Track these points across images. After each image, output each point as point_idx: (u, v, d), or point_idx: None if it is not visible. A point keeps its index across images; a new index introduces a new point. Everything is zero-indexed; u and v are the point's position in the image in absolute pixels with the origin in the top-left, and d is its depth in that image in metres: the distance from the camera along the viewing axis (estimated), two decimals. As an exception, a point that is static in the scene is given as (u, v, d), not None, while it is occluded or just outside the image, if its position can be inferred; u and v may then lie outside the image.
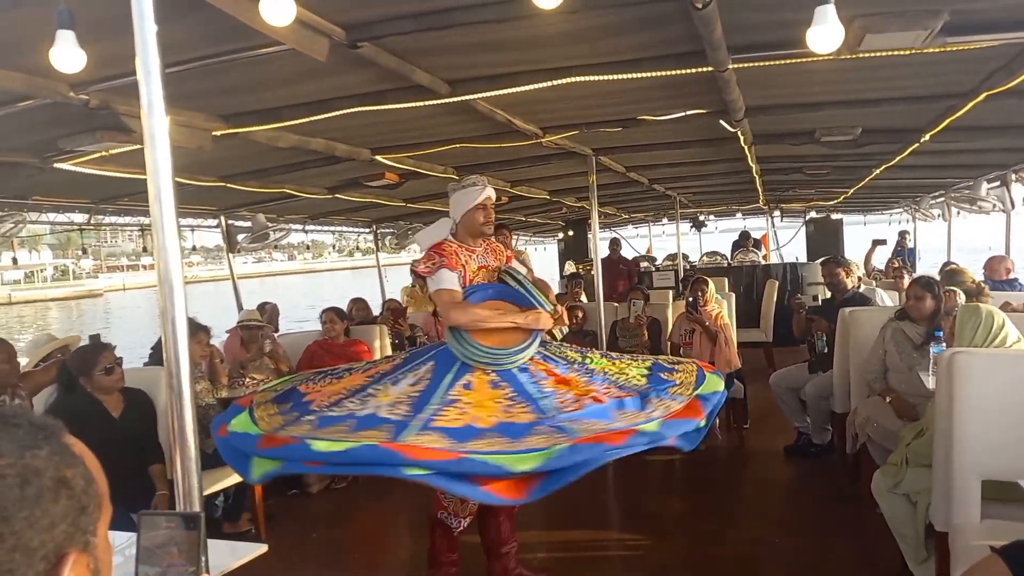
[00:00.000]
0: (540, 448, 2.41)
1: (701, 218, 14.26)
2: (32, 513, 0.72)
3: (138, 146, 3.49)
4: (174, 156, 1.71)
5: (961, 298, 4.46)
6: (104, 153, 3.85)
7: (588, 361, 3.14)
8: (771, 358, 8.63)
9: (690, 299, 5.85)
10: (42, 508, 0.73)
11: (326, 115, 3.68)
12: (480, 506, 3.26)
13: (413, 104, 3.63)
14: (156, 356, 4.65)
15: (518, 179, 7.11)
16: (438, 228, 3.34)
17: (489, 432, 2.56)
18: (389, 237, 10.28)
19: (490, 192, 3.26)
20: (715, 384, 2.96)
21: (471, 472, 2.36)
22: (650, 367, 3.11)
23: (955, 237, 10.43)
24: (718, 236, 16.02)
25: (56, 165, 4.05)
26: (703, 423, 2.73)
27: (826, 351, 5.26)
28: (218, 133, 3.78)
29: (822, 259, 6.90)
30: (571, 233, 13.86)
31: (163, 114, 1.67)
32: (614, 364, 3.14)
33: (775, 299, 9.35)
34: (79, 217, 6.26)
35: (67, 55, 2.18)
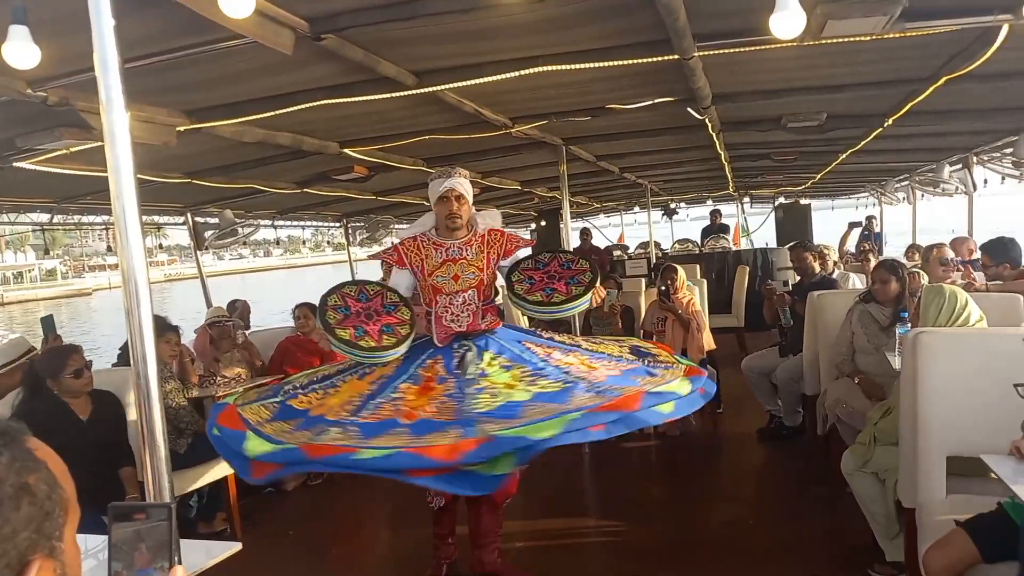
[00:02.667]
0: (564, 412, 2.47)
1: (672, 206, 14.37)
2: None
3: (99, 143, 3.44)
4: (137, 153, 1.68)
5: (924, 279, 4.54)
6: (65, 151, 3.77)
7: (559, 356, 3.11)
8: (743, 343, 8.74)
9: (662, 287, 5.89)
10: (3, 516, 0.72)
11: (292, 108, 3.64)
12: (467, 498, 3.29)
13: (380, 96, 3.60)
14: (125, 357, 4.58)
15: (489, 170, 7.10)
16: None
17: (530, 403, 2.65)
18: (360, 231, 10.20)
19: (452, 183, 3.20)
20: (678, 386, 2.78)
21: (396, 466, 2.39)
22: (625, 371, 3.03)
23: (919, 220, 10.63)
24: (689, 224, 16.15)
25: (15, 164, 3.95)
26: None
27: (791, 323, 5.35)
28: (182, 129, 3.72)
29: (790, 244, 6.99)
30: (544, 223, 13.86)
31: (123, 110, 1.64)
32: (590, 364, 3.08)
33: (746, 285, 9.47)
34: (41, 217, 6.12)
35: (21, 51, 2.13)
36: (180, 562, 1.06)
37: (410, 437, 2.51)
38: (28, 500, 0.75)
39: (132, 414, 3.72)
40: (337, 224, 9.86)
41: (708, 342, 5.76)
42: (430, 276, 3.22)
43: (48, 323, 4.56)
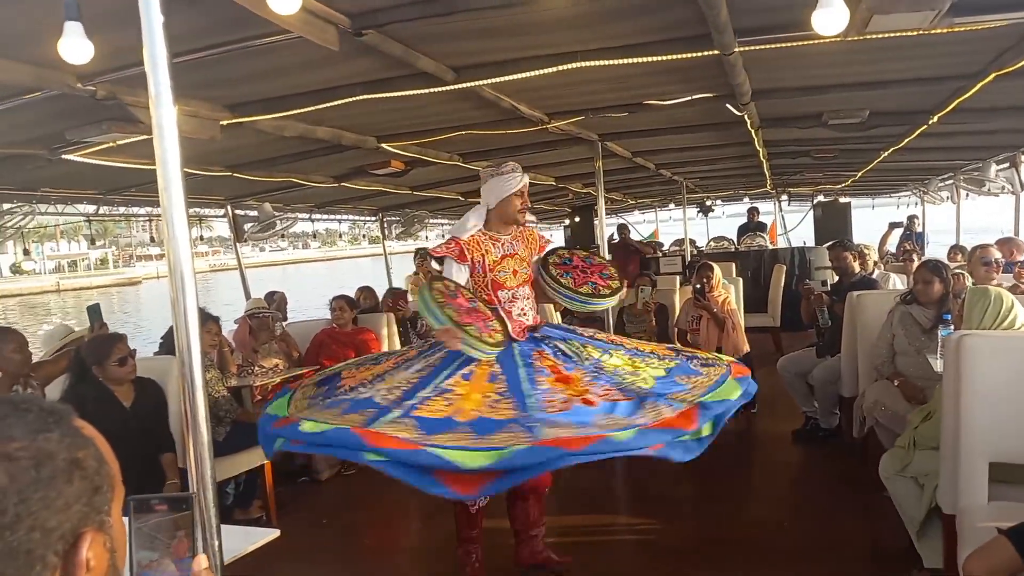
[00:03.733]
0: (498, 447, 2.40)
1: (708, 203, 14.21)
2: (47, 494, 0.74)
3: (145, 136, 3.52)
4: (181, 146, 1.72)
5: (969, 281, 4.44)
6: (111, 144, 3.87)
7: (606, 358, 3.05)
8: (779, 343, 8.62)
9: (697, 285, 5.84)
10: (56, 489, 0.75)
11: (332, 103, 3.68)
12: (509, 490, 3.26)
13: (418, 91, 3.62)
14: (167, 345, 4.68)
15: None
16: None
17: (462, 426, 2.56)
18: (395, 225, 10.29)
19: (527, 179, 3.31)
20: (728, 391, 2.79)
21: (426, 464, 2.40)
22: (669, 369, 3.00)
23: (964, 219, 10.37)
24: (725, 221, 15.96)
25: (64, 156, 4.07)
26: (695, 433, 2.58)
27: (829, 324, 5.27)
28: (225, 123, 3.79)
29: (829, 243, 6.88)
30: (577, 219, 13.82)
31: (171, 104, 1.68)
32: (633, 362, 3.04)
33: (783, 284, 9.33)
34: (88, 208, 6.29)
35: (75, 46, 2.18)
36: (214, 550, 1.08)
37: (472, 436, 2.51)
38: (80, 474, 0.78)
39: (173, 402, 3.81)
40: (373, 218, 9.95)
41: (743, 343, 5.71)
42: (491, 271, 3.22)
43: (95, 312, 4.68)
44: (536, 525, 3.42)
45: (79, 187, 5.64)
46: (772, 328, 8.98)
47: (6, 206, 5.26)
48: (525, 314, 3.24)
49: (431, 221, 10.90)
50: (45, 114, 3.43)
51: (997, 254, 5.02)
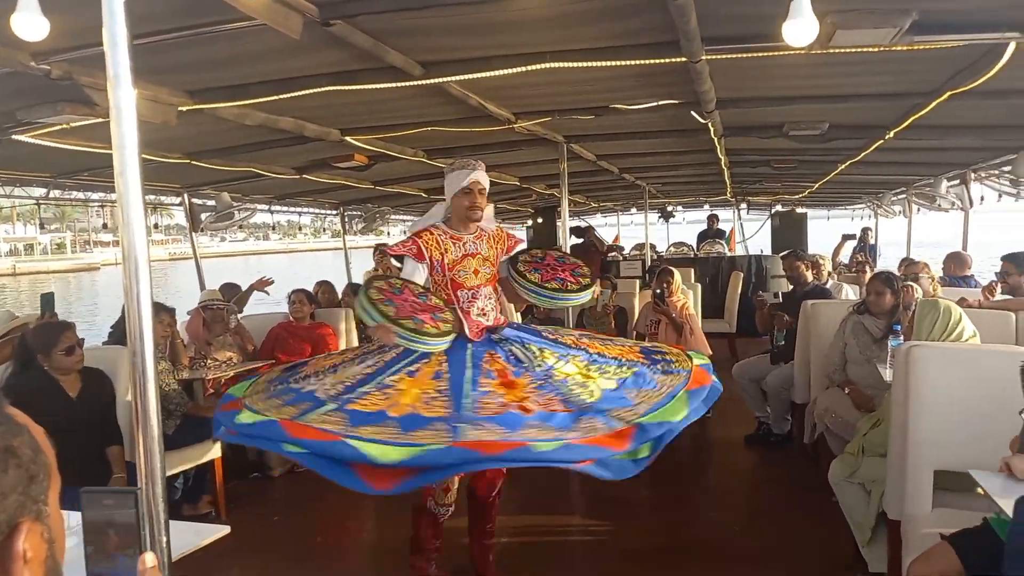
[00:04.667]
0: (416, 443, 2.38)
1: (669, 209, 14.38)
2: None
3: (100, 119, 3.42)
4: (138, 131, 1.67)
5: (919, 293, 4.56)
6: (65, 126, 3.74)
7: (560, 364, 2.98)
8: (734, 348, 8.77)
9: (657, 290, 5.90)
10: None
11: (296, 93, 3.61)
12: (471, 493, 3.31)
13: (385, 85, 3.58)
14: (116, 335, 4.56)
15: (489, 164, 6.95)
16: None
17: (392, 420, 2.53)
18: (356, 220, 10.18)
19: (477, 176, 3.23)
20: (672, 412, 2.67)
21: (340, 456, 2.38)
22: (623, 380, 2.91)
23: (915, 233, 10.68)
24: (685, 227, 16.17)
25: (14, 137, 3.92)
26: (631, 453, 2.49)
27: (783, 343, 5.37)
28: (184, 108, 3.69)
29: (784, 253, 7.02)
30: (540, 220, 13.86)
31: (130, 87, 1.63)
32: (588, 371, 2.95)
33: (740, 291, 9.50)
34: (38, 191, 6.08)
35: (29, 22, 2.10)
36: (162, 546, 1.06)
37: (399, 432, 2.49)
38: (14, 463, 0.75)
39: (122, 393, 3.71)
40: (334, 212, 9.83)
41: (703, 347, 5.77)
42: (451, 270, 3.17)
43: (47, 301, 4.52)
44: (492, 534, 3.41)
45: (29, 169, 5.45)
46: (728, 334, 9.13)
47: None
48: (485, 314, 3.17)
49: (393, 217, 10.80)
50: (-6, 92, 3.31)
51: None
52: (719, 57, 3.37)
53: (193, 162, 5.27)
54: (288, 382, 2.94)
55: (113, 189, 1.67)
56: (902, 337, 3.78)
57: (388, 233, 11.90)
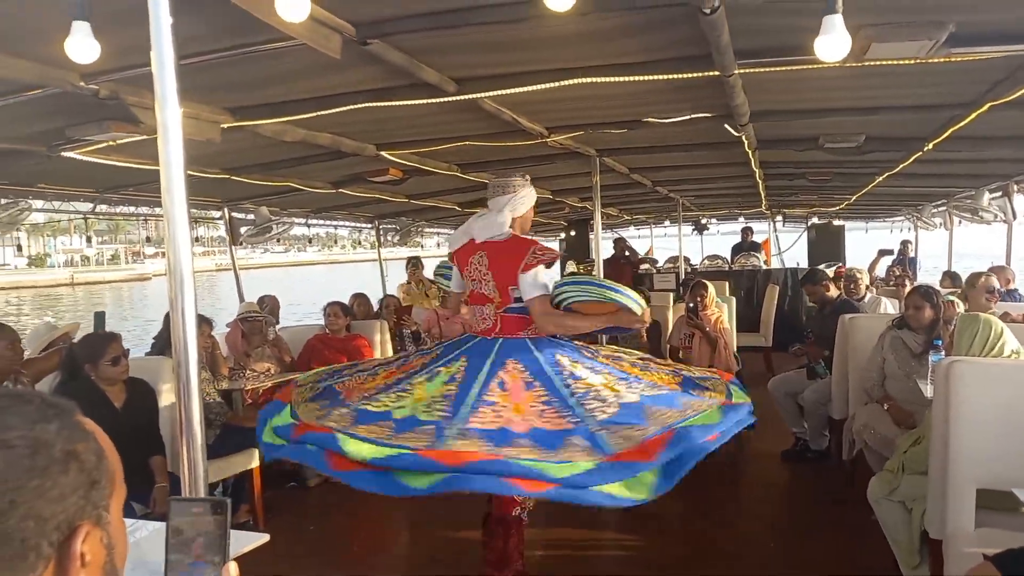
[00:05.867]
0: (393, 445, 2.42)
1: (703, 221, 14.28)
2: (42, 483, 0.75)
3: (144, 136, 3.53)
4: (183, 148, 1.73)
5: (960, 307, 4.48)
6: (110, 143, 3.87)
7: (587, 375, 2.94)
8: (770, 362, 8.65)
9: (691, 304, 5.86)
10: (52, 478, 0.76)
11: (334, 110, 3.69)
12: (493, 519, 3.20)
13: (420, 101, 3.64)
14: (158, 346, 4.67)
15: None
16: (492, 221, 3.20)
17: (522, 438, 2.50)
18: (391, 233, 10.29)
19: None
20: (708, 418, 2.64)
21: (325, 446, 2.47)
22: (644, 396, 2.84)
23: (956, 245, 10.46)
24: (719, 239, 16.04)
25: (63, 154, 4.06)
26: (653, 469, 2.42)
27: (827, 375, 5.27)
28: (226, 126, 3.79)
29: (801, 278, 6.91)
30: (573, 233, 13.87)
31: (176, 106, 1.69)
32: (615, 385, 2.90)
33: (775, 304, 9.38)
34: (83, 206, 6.27)
35: (82, 45, 2.19)
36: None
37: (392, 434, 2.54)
38: (76, 466, 0.78)
39: (164, 403, 3.80)
40: (368, 225, 9.96)
41: (733, 363, 5.73)
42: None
43: (100, 319, 4.66)
44: (514, 556, 3.15)
45: (77, 184, 5.63)
46: (764, 348, 9.01)
47: (3, 201, 5.24)
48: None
49: (427, 230, 10.91)
50: (46, 111, 3.43)
51: (996, 283, 5.08)
52: (752, 71, 3.36)
53: (233, 177, 5.40)
54: (332, 387, 3.01)
55: (155, 203, 1.73)
56: (943, 352, 3.71)
57: (422, 245, 12.00)
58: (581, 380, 2.89)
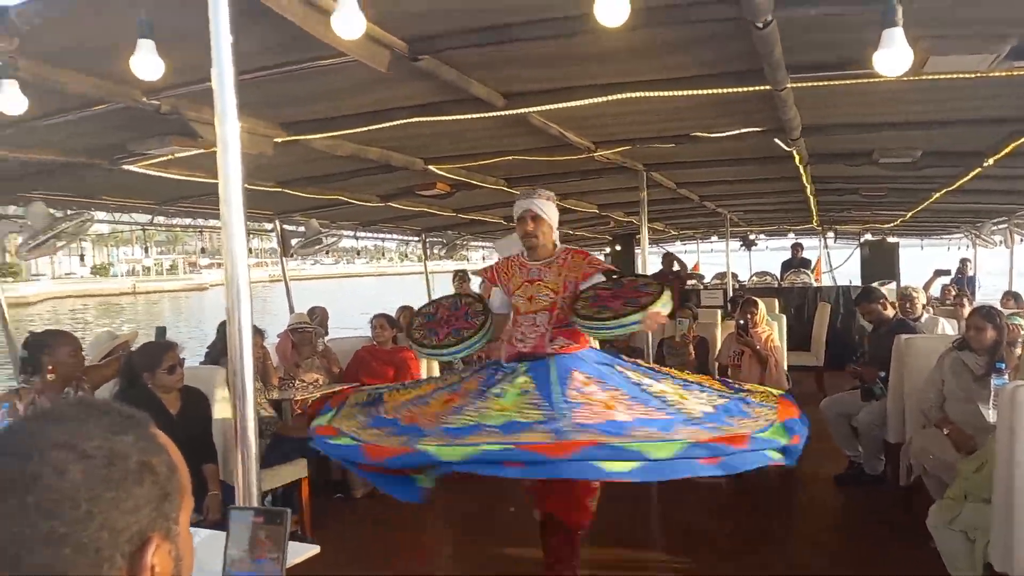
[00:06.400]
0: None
1: (751, 237, 14.06)
2: (118, 494, 0.76)
3: (202, 150, 3.63)
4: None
5: (1024, 329, 4.31)
6: (169, 156, 3.99)
7: (650, 383, 2.97)
8: (822, 383, 8.43)
9: (741, 321, 5.77)
10: (127, 490, 0.77)
11: (384, 125, 3.75)
12: (542, 522, 3.27)
13: (469, 116, 3.67)
14: (212, 356, 4.77)
15: (567, 192, 7.12)
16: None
17: (489, 429, 2.59)
18: (438, 246, 10.38)
19: (528, 204, 3.17)
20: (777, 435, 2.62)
21: (414, 464, 2.49)
22: (718, 406, 2.87)
23: (1018, 264, 10.09)
24: (768, 255, 15.77)
25: (124, 167, 4.20)
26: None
27: (885, 394, 5.12)
28: (279, 140, 3.88)
29: (856, 296, 6.72)
30: (618, 248, 13.78)
31: (236, 122, 1.74)
32: (683, 395, 2.93)
33: (827, 322, 9.15)
34: (142, 217, 6.48)
35: (147, 63, 2.27)
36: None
37: (501, 435, 2.53)
38: (150, 479, 0.79)
39: (217, 412, 3.87)
40: (416, 238, 10.06)
41: (784, 381, 5.61)
42: (511, 296, 3.24)
43: (161, 333, 4.79)
44: (563, 563, 3.24)
45: (137, 196, 5.81)
46: (816, 367, 8.79)
47: (68, 212, 5.45)
48: (524, 340, 3.12)
49: (473, 244, 10.97)
50: (109, 125, 3.56)
51: None
52: (804, 85, 3.31)
53: (285, 190, 5.52)
54: (382, 416, 2.98)
55: (210, 215, 1.78)
56: (1007, 376, 3.57)
57: (468, 259, 12.08)
58: (652, 385, 2.93)
